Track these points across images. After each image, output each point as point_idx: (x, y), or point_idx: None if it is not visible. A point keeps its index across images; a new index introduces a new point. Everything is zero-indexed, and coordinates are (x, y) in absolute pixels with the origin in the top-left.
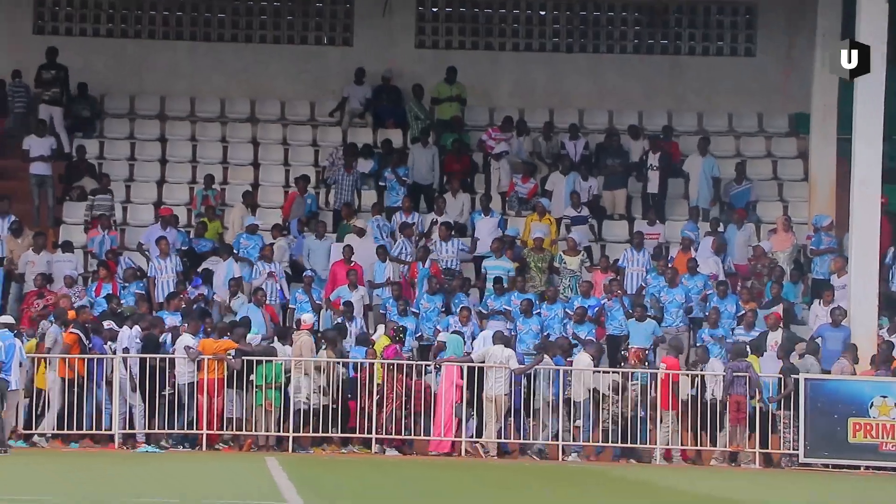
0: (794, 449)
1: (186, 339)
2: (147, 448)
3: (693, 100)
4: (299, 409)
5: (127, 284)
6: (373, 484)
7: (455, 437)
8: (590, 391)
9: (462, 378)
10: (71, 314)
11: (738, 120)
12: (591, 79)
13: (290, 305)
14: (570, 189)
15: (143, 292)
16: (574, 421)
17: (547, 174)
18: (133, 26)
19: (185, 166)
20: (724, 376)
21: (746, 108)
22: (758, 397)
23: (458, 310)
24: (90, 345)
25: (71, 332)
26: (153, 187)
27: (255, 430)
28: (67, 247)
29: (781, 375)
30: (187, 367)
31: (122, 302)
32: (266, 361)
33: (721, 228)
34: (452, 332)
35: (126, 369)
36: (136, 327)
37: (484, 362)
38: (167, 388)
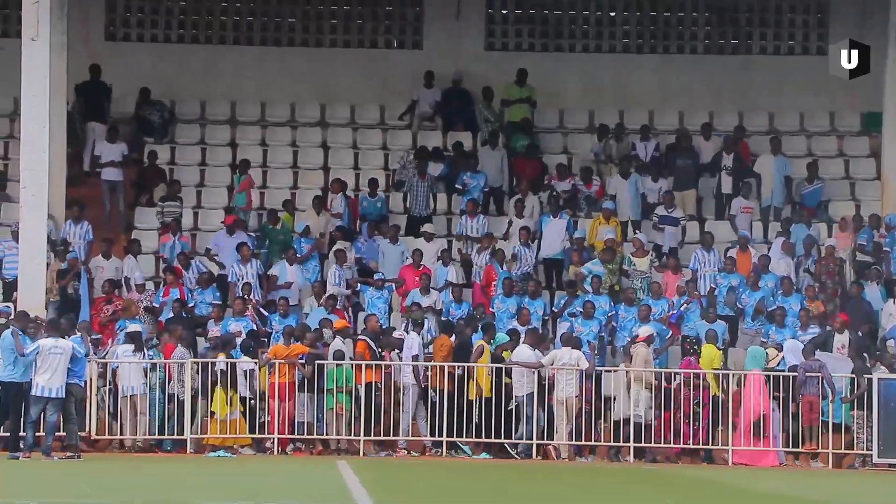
0: (867, 450)
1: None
2: (219, 453)
3: (764, 99)
4: (630, 421)
5: (201, 290)
6: (444, 486)
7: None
8: None
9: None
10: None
11: (809, 119)
12: (661, 79)
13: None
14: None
15: (218, 299)
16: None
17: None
18: (203, 31)
19: (255, 171)
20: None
21: (818, 107)
22: (830, 397)
23: (519, 311)
24: (380, 352)
25: (361, 340)
26: (224, 192)
27: (326, 434)
28: (135, 250)
29: (854, 376)
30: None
31: (192, 307)
32: (337, 365)
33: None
34: (753, 345)
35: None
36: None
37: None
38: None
